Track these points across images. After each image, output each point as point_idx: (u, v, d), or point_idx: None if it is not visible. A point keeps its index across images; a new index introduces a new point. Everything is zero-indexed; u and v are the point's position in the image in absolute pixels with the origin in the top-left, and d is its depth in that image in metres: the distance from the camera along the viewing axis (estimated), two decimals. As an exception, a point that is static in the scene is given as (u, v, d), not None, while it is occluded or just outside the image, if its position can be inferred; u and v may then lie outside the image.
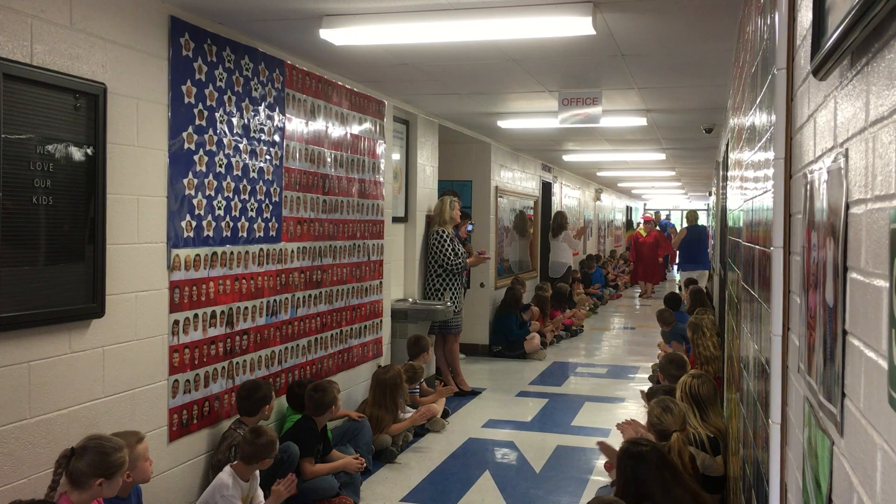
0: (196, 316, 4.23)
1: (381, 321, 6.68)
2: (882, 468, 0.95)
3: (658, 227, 18.69)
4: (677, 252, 15.46)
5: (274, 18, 4.26)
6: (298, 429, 4.70)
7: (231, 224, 4.49)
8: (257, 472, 4.00)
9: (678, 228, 18.88)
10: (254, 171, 4.70)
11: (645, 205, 30.83)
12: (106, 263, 3.51)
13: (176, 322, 4.07)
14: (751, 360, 2.88)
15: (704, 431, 4.27)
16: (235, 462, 3.94)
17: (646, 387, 7.88)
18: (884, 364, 0.93)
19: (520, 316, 9.79)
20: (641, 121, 7.68)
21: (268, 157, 4.84)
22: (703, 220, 17.01)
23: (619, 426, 4.98)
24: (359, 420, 5.33)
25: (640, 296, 17.57)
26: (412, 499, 4.87)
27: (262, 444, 3.90)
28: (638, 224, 19.65)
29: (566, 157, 12.25)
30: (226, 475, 3.87)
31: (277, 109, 4.94)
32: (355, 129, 6.04)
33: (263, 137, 4.79)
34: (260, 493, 4.07)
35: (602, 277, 16.14)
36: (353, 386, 6.07)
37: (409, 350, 6.61)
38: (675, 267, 18.55)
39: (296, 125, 5.17)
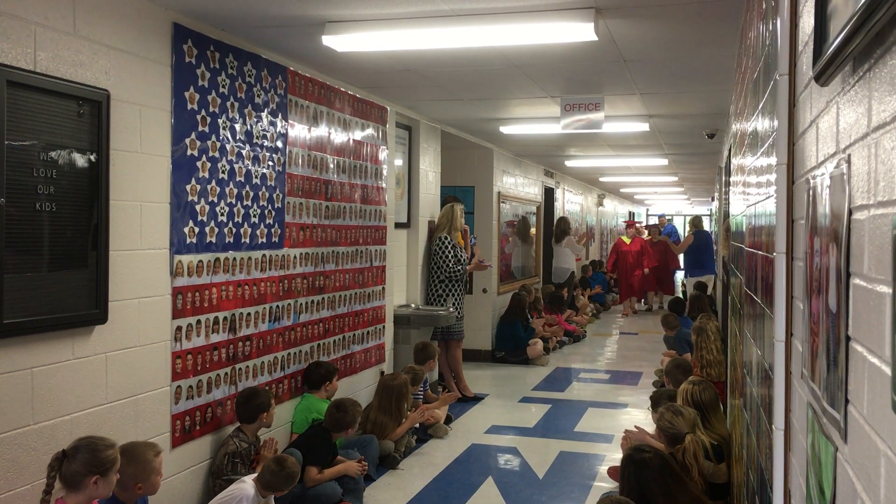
0: (199, 322, 4.23)
1: (383, 327, 6.68)
2: (886, 474, 0.95)
3: (661, 234, 16.37)
4: (681, 258, 15.24)
5: (276, 25, 4.27)
6: (313, 437, 4.71)
7: (234, 230, 4.50)
8: (272, 497, 4.02)
9: (682, 233, 18.44)
10: (256, 177, 4.70)
11: (647, 210, 30.70)
12: (109, 270, 3.52)
13: (178, 328, 4.07)
14: (754, 366, 2.88)
15: (707, 439, 4.26)
16: (256, 476, 3.94)
17: (650, 393, 7.88)
18: (887, 370, 0.93)
19: (525, 322, 9.80)
20: (644, 126, 7.68)
21: (270, 163, 4.85)
22: (706, 224, 16.79)
23: (626, 433, 4.97)
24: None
25: (622, 316, 14.73)
26: (415, 505, 4.86)
27: (283, 477, 3.92)
28: (631, 227, 16.45)
29: (569, 163, 12.25)
30: (249, 487, 3.85)
31: (280, 115, 4.95)
32: (358, 134, 6.05)
33: (266, 143, 4.80)
34: None
35: (605, 282, 16.04)
36: (355, 392, 6.07)
37: (415, 356, 6.61)
38: (682, 272, 17.45)
39: (298, 131, 5.18)
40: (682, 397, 4.60)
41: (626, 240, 15.27)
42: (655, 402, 5.22)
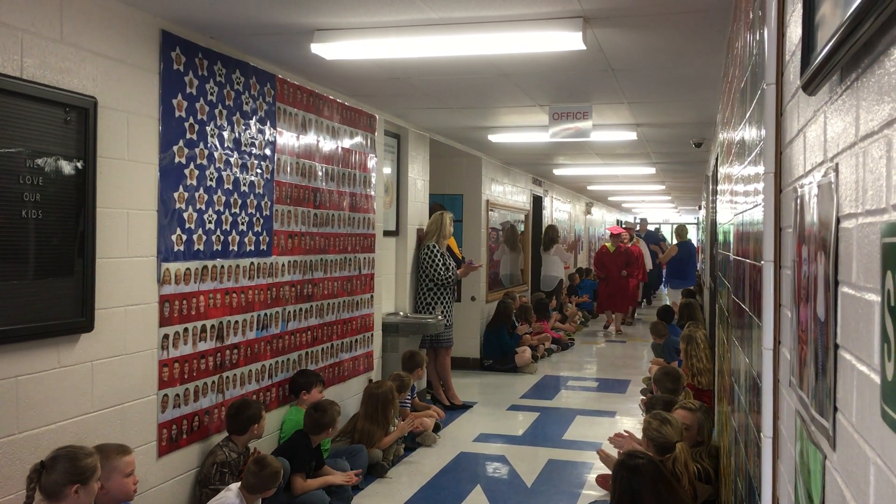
0: (186, 330, 4.21)
1: (372, 335, 6.66)
2: (875, 483, 0.95)
3: (635, 239, 15.19)
4: (664, 268, 15.08)
5: (265, 33, 4.27)
6: (292, 444, 4.69)
7: (221, 238, 4.48)
8: (259, 500, 3.99)
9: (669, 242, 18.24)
10: (244, 184, 4.69)
11: (635, 217, 30.69)
12: (95, 277, 3.49)
13: (166, 336, 4.05)
14: (742, 374, 2.89)
15: (695, 465, 4.24)
16: (241, 484, 3.91)
17: (638, 401, 7.89)
18: (876, 378, 0.93)
19: (511, 329, 9.81)
20: (631, 135, 7.71)
21: (259, 170, 4.84)
22: (692, 233, 16.74)
23: (611, 439, 4.96)
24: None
25: (604, 328, 13.75)
26: (403, 514, 4.84)
27: (266, 476, 3.89)
28: (618, 235, 14.67)
29: (557, 171, 12.29)
30: (233, 495, 3.83)
31: (268, 123, 4.94)
32: (346, 142, 6.04)
33: (254, 151, 4.79)
34: None
35: (592, 290, 15.96)
36: (343, 400, 6.04)
37: (403, 365, 6.60)
38: (664, 283, 17.13)
39: (287, 139, 5.17)
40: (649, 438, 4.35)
41: (611, 248, 14.10)
42: (650, 407, 5.16)
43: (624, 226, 19.14)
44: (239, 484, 3.92)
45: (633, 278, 13.95)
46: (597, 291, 14.79)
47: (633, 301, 14.56)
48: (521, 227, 12.26)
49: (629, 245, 14.47)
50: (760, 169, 2.13)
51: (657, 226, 26.67)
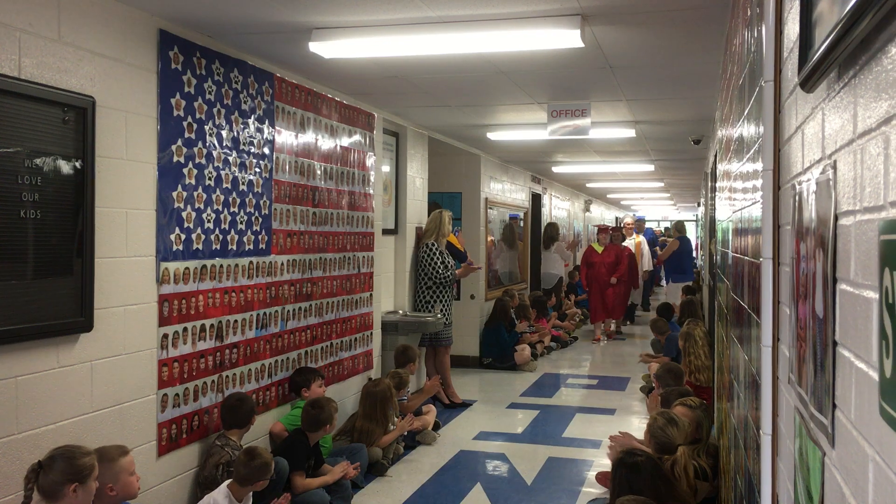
0: (185, 329, 4.21)
1: (371, 333, 6.66)
2: (874, 479, 0.95)
3: (635, 236, 14.59)
4: (660, 266, 14.85)
5: (263, 31, 4.27)
6: (290, 443, 4.68)
7: (220, 237, 4.48)
8: (250, 494, 3.98)
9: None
10: (243, 183, 4.68)
11: (634, 215, 30.55)
12: (94, 277, 3.49)
13: (165, 336, 4.05)
14: (741, 371, 2.89)
15: (695, 462, 4.23)
16: (230, 482, 3.90)
17: (638, 398, 7.90)
18: (874, 375, 0.93)
19: (509, 326, 9.82)
20: (630, 132, 7.71)
21: (257, 169, 4.83)
22: (690, 229, 16.66)
23: (611, 438, 4.97)
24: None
25: (594, 341, 12.17)
26: (403, 512, 4.84)
27: (257, 467, 3.87)
28: (604, 233, 13.03)
29: (556, 169, 12.28)
30: (221, 496, 3.82)
31: (267, 122, 4.94)
32: (345, 141, 6.04)
33: (253, 150, 4.78)
34: None
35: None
36: (343, 399, 6.04)
37: (396, 360, 6.60)
38: (664, 279, 16.73)
39: (285, 137, 5.17)
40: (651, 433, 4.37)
41: (598, 248, 12.64)
42: (666, 400, 5.10)
43: (625, 223, 17.50)
44: (228, 482, 3.91)
45: (622, 283, 12.50)
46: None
47: (625, 304, 13.09)
48: (520, 223, 12.26)
49: (620, 244, 13.26)
50: (759, 166, 2.13)
51: (666, 225, 26.03)
